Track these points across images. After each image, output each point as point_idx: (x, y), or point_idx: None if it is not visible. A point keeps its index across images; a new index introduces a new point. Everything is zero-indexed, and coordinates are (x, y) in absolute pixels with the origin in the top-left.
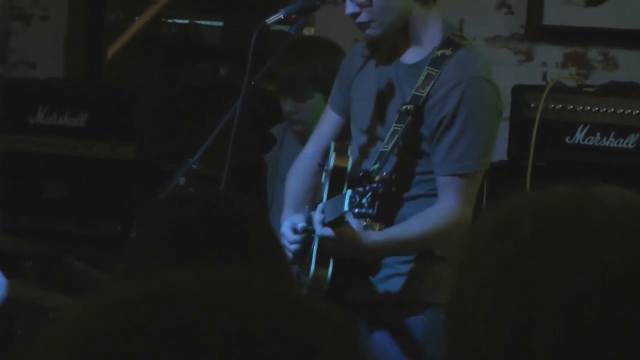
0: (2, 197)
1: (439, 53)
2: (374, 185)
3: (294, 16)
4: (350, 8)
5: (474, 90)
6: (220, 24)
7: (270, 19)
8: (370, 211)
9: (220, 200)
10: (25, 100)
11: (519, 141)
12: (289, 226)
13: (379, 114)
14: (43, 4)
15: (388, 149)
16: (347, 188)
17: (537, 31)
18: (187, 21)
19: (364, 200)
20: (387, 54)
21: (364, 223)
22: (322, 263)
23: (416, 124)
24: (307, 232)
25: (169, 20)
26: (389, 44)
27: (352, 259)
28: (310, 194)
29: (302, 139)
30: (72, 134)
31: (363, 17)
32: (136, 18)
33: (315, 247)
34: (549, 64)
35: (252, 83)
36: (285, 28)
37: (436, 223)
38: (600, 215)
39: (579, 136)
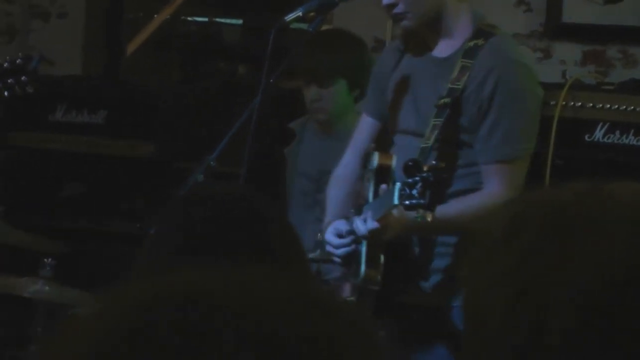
0: (21, 194)
1: (471, 44)
2: (424, 174)
3: (312, 14)
4: None
5: (509, 74)
6: (239, 22)
7: (289, 17)
8: (422, 201)
9: (239, 198)
10: (43, 97)
11: (538, 139)
12: (332, 232)
13: (417, 111)
14: (61, 2)
15: (429, 144)
16: (395, 182)
17: (556, 29)
18: (206, 19)
19: (414, 191)
20: (419, 50)
21: (416, 215)
22: (372, 264)
23: (455, 116)
24: (353, 235)
25: (188, 19)
26: (419, 39)
27: (402, 261)
28: (351, 199)
29: (323, 129)
30: (91, 132)
31: (400, 8)
32: (155, 16)
33: (363, 249)
34: (568, 61)
35: (271, 81)
36: (304, 26)
37: (477, 209)
38: (613, 212)
39: (598, 134)
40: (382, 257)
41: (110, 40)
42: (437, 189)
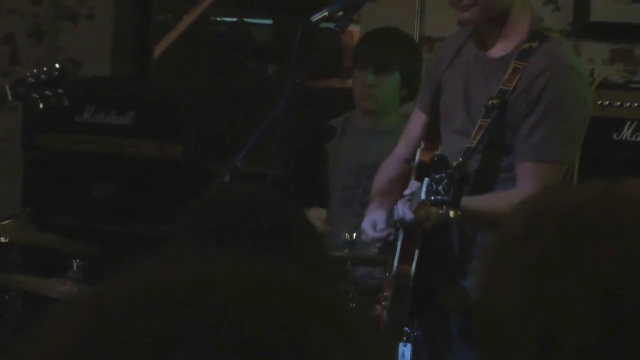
0: (50, 196)
1: (526, 46)
2: (449, 171)
3: (339, 14)
4: None
5: (560, 78)
6: (269, 22)
7: (315, 17)
8: (446, 198)
9: (263, 200)
10: (72, 99)
11: None
12: (370, 222)
13: (467, 110)
14: (90, 3)
15: (474, 145)
16: (426, 177)
17: (584, 28)
18: (235, 20)
19: (440, 188)
20: (475, 49)
21: (441, 212)
22: (406, 259)
23: (502, 118)
24: (390, 229)
25: (218, 19)
26: (477, 38)
27: (441, 261)
28: (396, 188)
29: (366, 123)
30: (119, 133)
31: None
32: (184, 17)
33: (399, 244)
34: (596, 60)
35: (298, 81)
36: (331, 26)
37: (510, 205)
38: (629, 212)
39: (626, 133)
40: (416, 253)
41: (139, 42)
42: (462, 187)
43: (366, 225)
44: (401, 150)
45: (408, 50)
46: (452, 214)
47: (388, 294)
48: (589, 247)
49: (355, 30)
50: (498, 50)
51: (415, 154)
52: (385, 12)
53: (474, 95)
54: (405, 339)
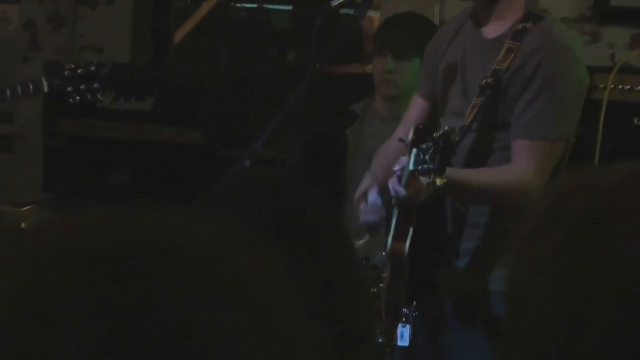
0: (69, 182)
1: (520, 27)
2: (434, 139)
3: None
4: None
5: (554, 56)
6: (289, 8)
7: (335, 3)
8: (432, 166)
9: (286, 186)
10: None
11: (587, 123)
12: (373, 200)
13: (463, 91)
14: None
15: (467, 123)
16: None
17: (604, 13)
18: (255, 6)
19: (427, 157)
20: (472, 30)
21: (428, 180)
22: (400, 236)
23: (496, 97)
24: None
25: (237, 5)
26: (474, 18)
27: (431, 238)
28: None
29: (387, 108)
30: (139, 119)
31: None
32: (204, 3)
33: (394, 222)
34: (616, 45)
35: (317, 67)
36: (351, 11)
37: (505, 181)
38: None
39: None
40: (411, 231)
41: (158, 28)
42: (446, 155)
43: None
44: (400, 133)
45: (428, 35)
46: (438, 181)
47: (386, 274)
48: (615, 230)
49: (375, 16)
50: (493, 31)
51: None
52: None
53: (469, 75)
54: (404, 320)
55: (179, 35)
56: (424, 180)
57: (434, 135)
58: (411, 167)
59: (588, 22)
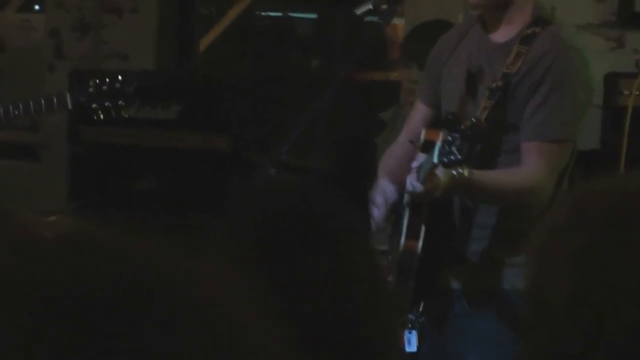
0: (95, 189)
1: (529, 31)
2: (463, 129)
3: (383, 7)
4: None
5: (563, 59)
6: (313, 16)
7: (359, 10)
8: (460, 157)
9: (311, 193)
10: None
11: (612, 129)
12: (380, 197)
13: (471, 95)
14: None
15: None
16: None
17: (628, 18)
18: (280, 14)
19: (453, 148)
20: (479, 35)
21: (454, 172)
22: (413, 234)
23: (505, 100)
24: (395, 205)
25: (262, 13)
26: (479, 24)
27: (440, 238)
28: (402, 168)
29: None
30: (164, 126)
31: None
32: (228, 11)
33: (405, 220)
34: None
35: (341, 74)
36: (375, 18)
37: (515, 181)
38: None
39: None
40: (423, 229)
41: (183, 35)
42: (475, 145)
43: (377, 197)
44: (403, 137)
45: None
46: (466, 172)
47: (391, 279)
48: (637, 231)
49: (399, 23)
50: (501, 35)
51: (418, 139)
52: (430, 4)
53: (477, 80)
54: (410, 325)
55: (203, 43)
56: (447, 172)
57: (461, 126)
58: (435, 160)
59: (612, 27)
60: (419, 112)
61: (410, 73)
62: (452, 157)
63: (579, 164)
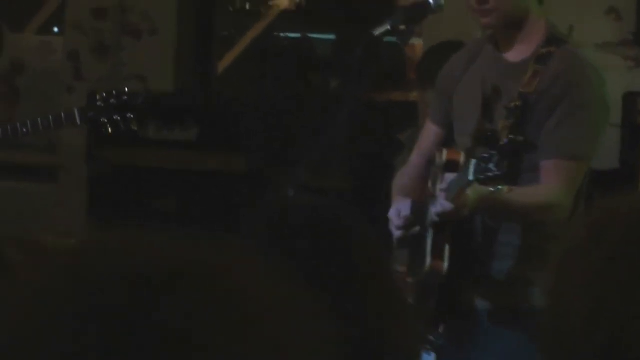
0: (114, 210)
1: (544, 50)
2: (503, 143)
3: (401, 27)
4: None
5: (582, 77)
6: (332, 37)
7: (377, 31)
8: (499, 173)
9: (326, 213)
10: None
11: (631, 148)
12: (395, 212)
13: (486, 115)
14: (152, 19)
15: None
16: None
17: None
18: (298, 35)
19: (490, 165)
20: (491, 54)
21: (492, 189)
22: (438, 254)
23: (524, 120)
24: (412, 222)
25: (281, 34)
26: (491, 44)
27: (466, 260)
28: (418, 186)
29: None
30: (183, 147)
31: (491, 5)
32: (247, 32)
33: (429, 239)
34: None
35: (360, 94)
36: (394, 39)
37: (536, 200)
38: None
39: None
40: (447, 249)
41: (202, 57)
42: (514, 161)
43: (391, 213)
44: (416, 159)
45: None
46: (506, 189)
47: (411, 300)
48: None
49: (418, 43)
50: (515, 55)
51: (433, 159)
52: (448, 25)
53: (492, 100)
54: (428, 347)
55: (222, 65)
56: (478, 190)
57: (499, 143)
58: (470, 177)
59: (630, 46)
60: (431, 133)
61: (426, 96)
62: (490, 174)
63: (597, 183)
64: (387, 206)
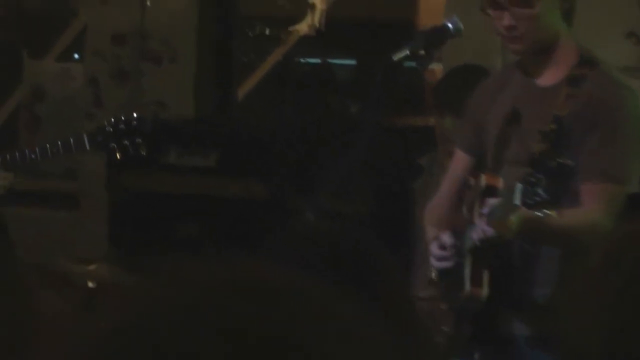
0: (134, 237)
1: (577, 73)
2: (551, 167)
3: (421, 52)
4: (508, 20)
5: (618, 99)
6: (351, 62)
7: (397, 56)
8: (547, 197)
9: (347, 239)
10: (155, 140)
11: None
12: (436, 244)
13: (520, 140)
14: (172, 46)
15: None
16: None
17: None
18: (319, 60)
19: (538, 189)
20: (521, 79)
21: (539, 213)
22: (477, 281)
23: (560, 142)
24: (456, 249)
25: (301, 60)
26: (520, 69)
27: (506, 283)
28: (453, 217)
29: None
30: (203, 173)
31: (519, 31)
32: (267, 58)
33: (467, 266)
34: None
35: (379, 119)
36: (413, 64)
37: (578, 224)
38: None
39: None
40: (486, 275)
41: (221, 83)
42: (563, 185)
43: (432, 246)
44: (447, 187)
45: None
46: (554, 213)
47: (445, 327)
48: None
49: (437, 68)
50: (547, 79)
51: (468, 185)
52: (467, 49)
53: (525, 123)
54: None
55: (242, 90)
56: (523, 214)
57: (545, 167)
58: (517, 202)
59: None
60: (460, 161)
61: (443, 121)
62: (538, 199)
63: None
64: (406, 229)
